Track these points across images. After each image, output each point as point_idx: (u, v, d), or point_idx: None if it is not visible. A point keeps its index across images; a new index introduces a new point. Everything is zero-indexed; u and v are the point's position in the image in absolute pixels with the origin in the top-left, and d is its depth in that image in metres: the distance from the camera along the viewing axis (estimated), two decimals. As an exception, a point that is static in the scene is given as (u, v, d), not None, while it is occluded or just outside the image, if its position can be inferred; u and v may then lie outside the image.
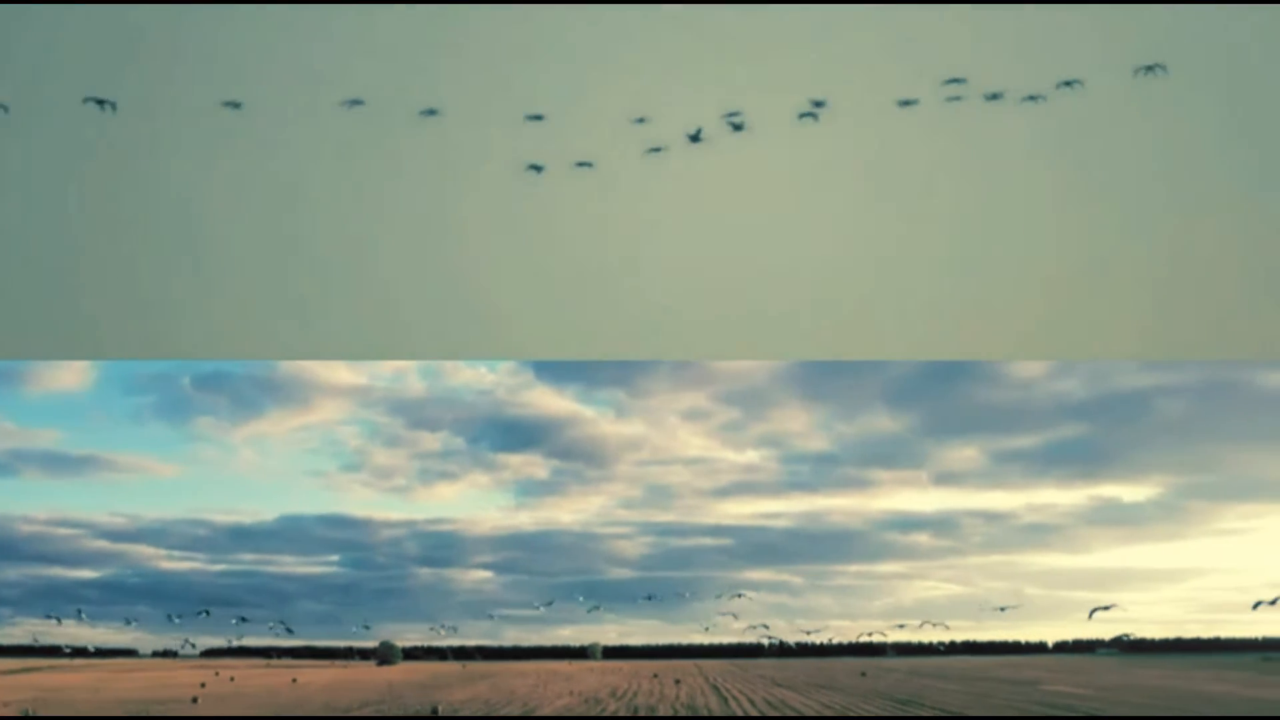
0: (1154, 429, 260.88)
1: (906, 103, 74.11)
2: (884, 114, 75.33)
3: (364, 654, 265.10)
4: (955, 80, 74.84)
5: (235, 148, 71.30)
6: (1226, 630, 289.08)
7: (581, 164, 68.94)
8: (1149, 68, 73.69)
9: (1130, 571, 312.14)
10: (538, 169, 67.85)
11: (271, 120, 73.33)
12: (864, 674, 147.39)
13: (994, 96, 73.98)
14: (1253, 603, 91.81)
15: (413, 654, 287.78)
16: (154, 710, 77.51)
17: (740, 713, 79.96)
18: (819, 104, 74.02)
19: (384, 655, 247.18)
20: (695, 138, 70.56)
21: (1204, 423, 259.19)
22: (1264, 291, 62.24)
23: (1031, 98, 74.02)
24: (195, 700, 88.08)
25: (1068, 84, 74.34)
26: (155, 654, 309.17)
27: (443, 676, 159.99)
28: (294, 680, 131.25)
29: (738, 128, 72.15)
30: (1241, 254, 64.30)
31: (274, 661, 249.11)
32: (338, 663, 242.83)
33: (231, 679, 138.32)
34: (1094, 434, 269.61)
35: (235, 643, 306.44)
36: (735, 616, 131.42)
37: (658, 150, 70.82)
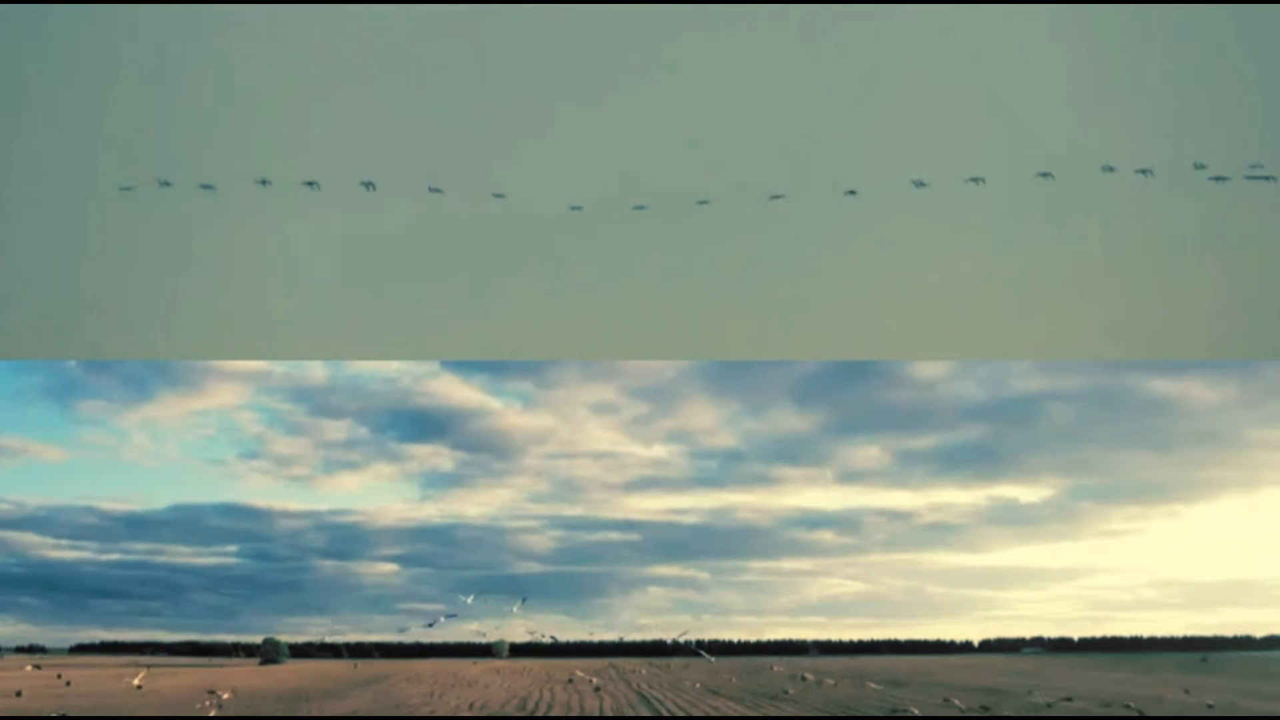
0: (1047, 432, 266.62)
1: None
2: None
3: (249, 650, 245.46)
4: None
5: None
6: (1115, 628, 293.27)
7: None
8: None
9: (1025, 570, 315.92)
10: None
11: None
12: (804, 678, 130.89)
13: None
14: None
15: (305, 651, 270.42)
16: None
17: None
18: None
19: (268, 653, 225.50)
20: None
21: (1093, 426, 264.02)
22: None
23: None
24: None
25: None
26: (20, 649, 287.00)
27: (327, 679, 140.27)
28: (138, 687, 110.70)
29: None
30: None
31: (141, 659, 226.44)
32: (216, 661, 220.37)
33: (68, 683, 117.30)
34: (991, 435, 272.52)
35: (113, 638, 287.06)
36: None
37: None
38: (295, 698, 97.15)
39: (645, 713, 79.86)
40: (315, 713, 79.49)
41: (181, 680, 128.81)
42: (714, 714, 77.08)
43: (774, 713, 79.57)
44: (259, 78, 74.53)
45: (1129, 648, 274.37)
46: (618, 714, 79.75)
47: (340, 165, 69.52)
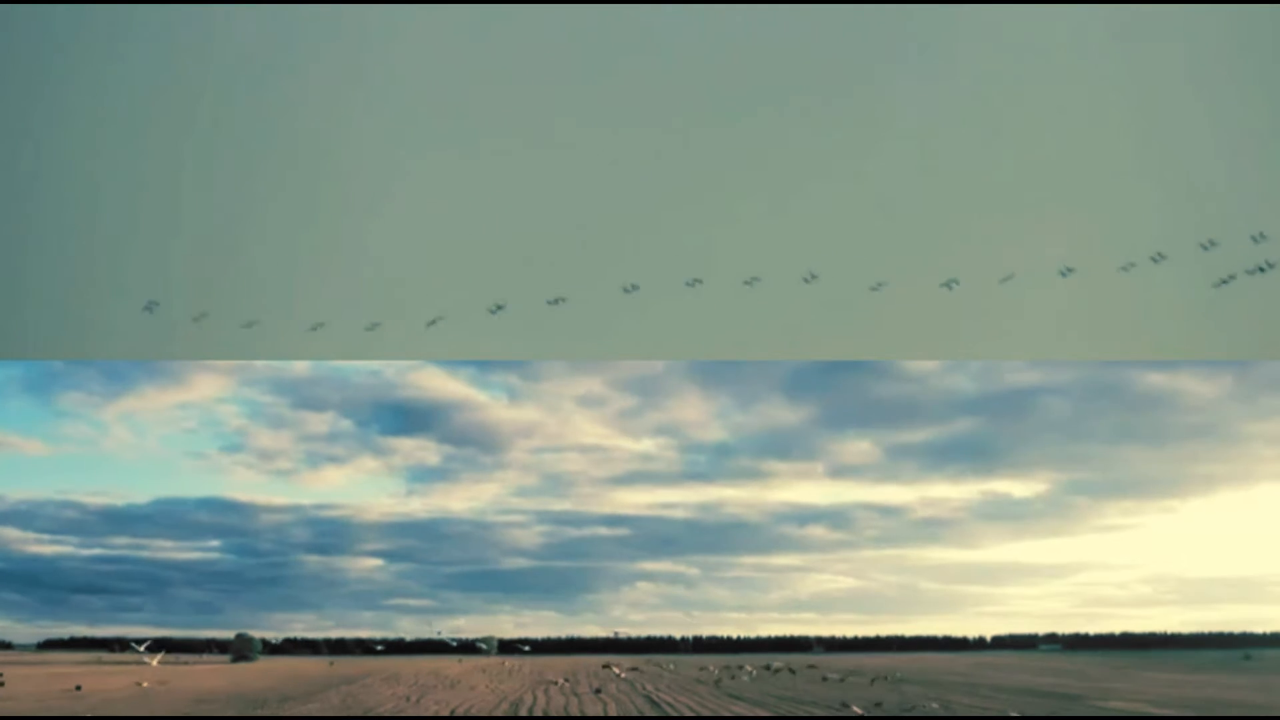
0: (1041, 426, 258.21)
1: None
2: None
3: (222, 647, 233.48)
4: None
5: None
6: (1113, 624, 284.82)
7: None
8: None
9: (1019, 566, 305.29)
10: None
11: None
12: (825, 679, 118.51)
13: None
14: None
15: (284, 647, 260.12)
16: None
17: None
18: None
19: (240, 650, 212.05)
20: None
21: (1087, 421, 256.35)
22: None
23: None
24: None
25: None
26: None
27: (295, 679, 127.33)
28: (77, 687, 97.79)
29: None
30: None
31: (106, 657, 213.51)
32: (184, 658, 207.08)
33: (2, 684, 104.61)
34: (984, 430, 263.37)
35: (86, 634, 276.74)
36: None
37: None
38: (247, 703, 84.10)
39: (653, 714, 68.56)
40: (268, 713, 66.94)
41: (119, 681, 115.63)
42: (717, 714, 70.00)
43: (800, 714, 67.83)
44: (256, 80, 70.11)
45: (1148, 644, 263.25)
46: (621, 715, 69.30)
47: (334, 165, 67.48)
